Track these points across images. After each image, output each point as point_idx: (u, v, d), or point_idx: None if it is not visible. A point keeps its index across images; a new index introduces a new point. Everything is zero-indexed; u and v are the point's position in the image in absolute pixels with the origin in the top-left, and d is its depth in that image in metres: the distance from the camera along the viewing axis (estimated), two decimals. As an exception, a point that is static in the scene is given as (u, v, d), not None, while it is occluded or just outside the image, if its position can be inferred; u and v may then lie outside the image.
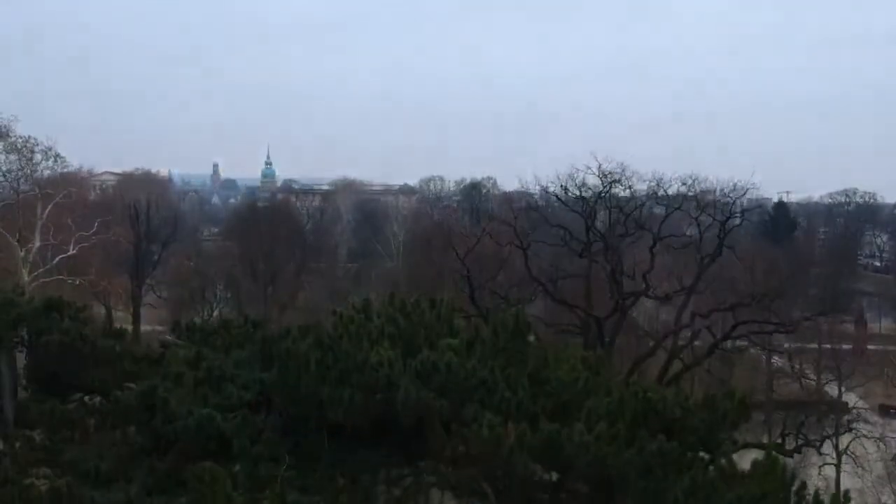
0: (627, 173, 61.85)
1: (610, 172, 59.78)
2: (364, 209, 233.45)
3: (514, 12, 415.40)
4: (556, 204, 70.42)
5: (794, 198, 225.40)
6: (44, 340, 21.19)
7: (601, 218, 62.99)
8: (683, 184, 65.26)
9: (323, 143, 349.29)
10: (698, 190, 66.21)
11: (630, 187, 63.79)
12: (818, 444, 54.50)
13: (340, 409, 17.62)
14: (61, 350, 20.80)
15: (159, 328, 66.26)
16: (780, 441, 52.12)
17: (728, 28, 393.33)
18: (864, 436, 56.59)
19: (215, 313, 75.10)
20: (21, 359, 22.87)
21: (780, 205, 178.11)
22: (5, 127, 56.56)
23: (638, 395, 17.60)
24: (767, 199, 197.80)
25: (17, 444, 20.00)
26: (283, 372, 18.88)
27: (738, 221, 65.76)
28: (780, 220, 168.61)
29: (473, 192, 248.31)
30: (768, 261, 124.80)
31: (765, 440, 54.21)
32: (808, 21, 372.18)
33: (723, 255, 60.21)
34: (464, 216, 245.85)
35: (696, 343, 56.52)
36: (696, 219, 63.19)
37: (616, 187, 61.60)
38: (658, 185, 64.41)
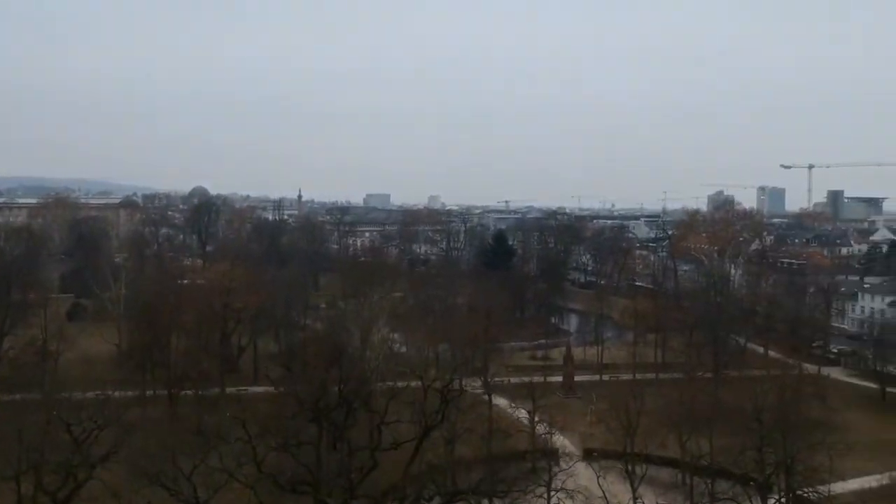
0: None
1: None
2: (78, 229, 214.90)
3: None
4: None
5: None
6: None
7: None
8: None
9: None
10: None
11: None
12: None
13: None
14: None
15: None
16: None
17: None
18: (564, 489, 61.79)
19: None
20: None
21: (500, 234, 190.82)
22: None
23: None
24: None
25: None
26: None
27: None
28: (500, 248, 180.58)
29: (201, 210, 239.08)
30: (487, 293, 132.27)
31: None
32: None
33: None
34: (190, 235, 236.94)
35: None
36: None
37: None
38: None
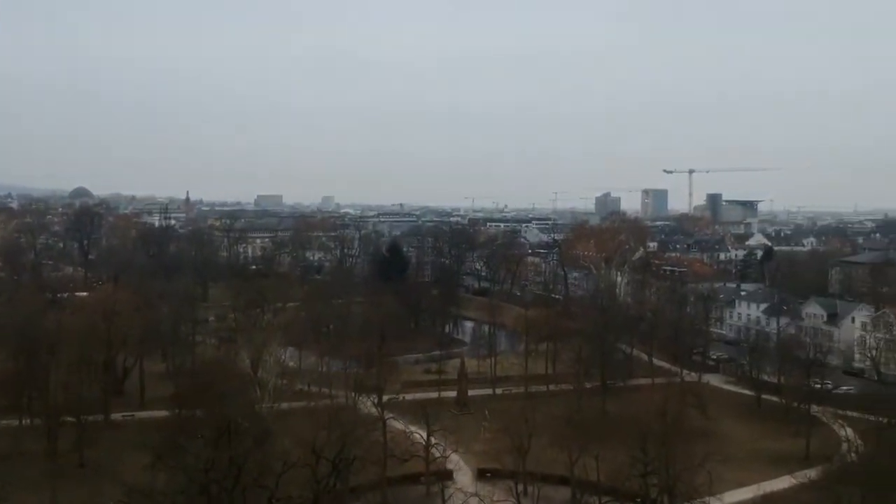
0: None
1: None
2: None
3: None
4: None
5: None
6: None
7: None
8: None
9: None
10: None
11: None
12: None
13: None
14: None
15: None
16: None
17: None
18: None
19: None
20: None
21: (394, 245, 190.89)
22: None
23: None
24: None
25: None
26: None
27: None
28: (394, 258, 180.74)
29: (83, 216, 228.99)
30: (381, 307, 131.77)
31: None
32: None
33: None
34: (70, 243, 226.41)
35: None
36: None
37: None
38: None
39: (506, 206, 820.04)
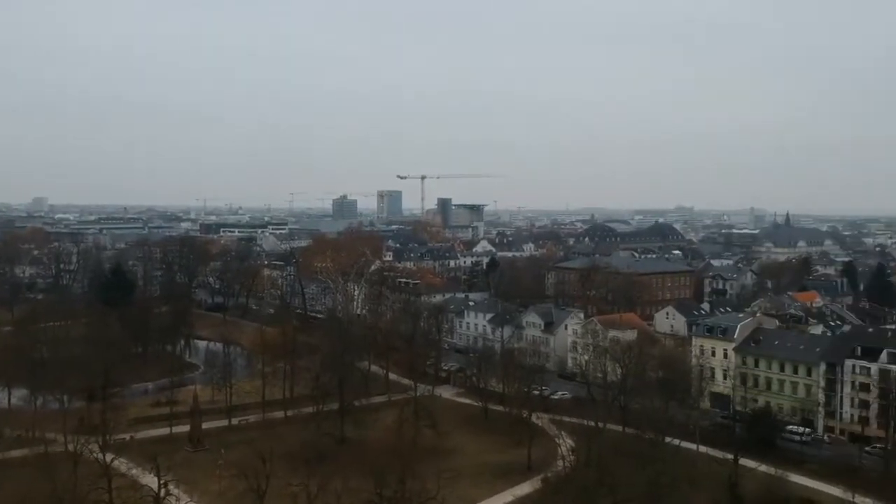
0: None
1: None
2: None
3: None
4: None
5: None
6: None
7: None
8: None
9: None
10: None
11: None
12: None
13: None
14: None
15: None
16: None
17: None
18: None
19: None
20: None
21: (118, 268, 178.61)
22: None
23: None
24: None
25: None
26: None
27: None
28: (118, 281, 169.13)
29: None
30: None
31: None
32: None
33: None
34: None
35: None
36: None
37: None
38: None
39: (240, 207, 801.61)
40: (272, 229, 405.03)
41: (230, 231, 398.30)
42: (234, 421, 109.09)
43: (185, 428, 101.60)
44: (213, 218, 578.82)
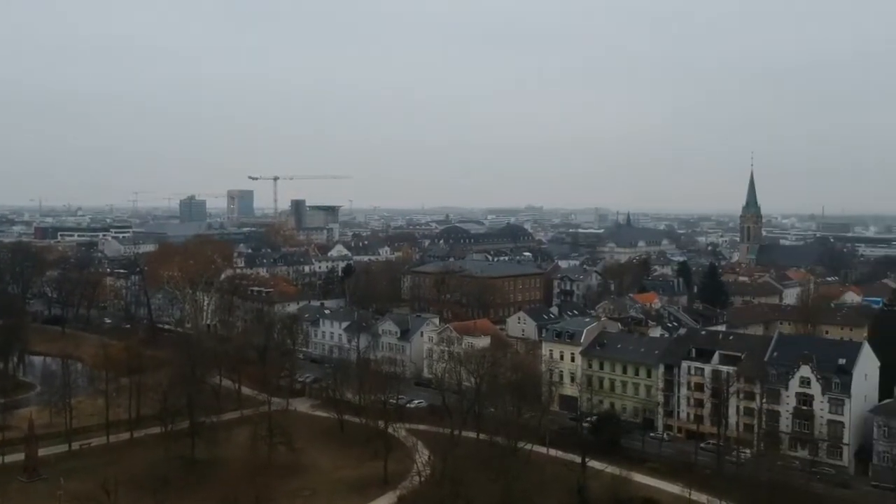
0: None
1: None
2: None
3: None
4: None
5: None
6: None
7: None
8: None
9: None
10: None
11: None
12: None
13: None
14: None
15: None
16: None
17: None
18: None
19: None
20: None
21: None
22: None
23: None
24: None
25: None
26: None
27: None
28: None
29: None
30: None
31: None
32: None
33: None
34: None
35: None
36: None
37: None
38: None
39: (80, 208, 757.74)
40: (115, 232, 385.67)
41: (69, 235, 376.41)
42: (75, 446, 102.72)
43: (20, 456, 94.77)
44: (50, 220, 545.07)
